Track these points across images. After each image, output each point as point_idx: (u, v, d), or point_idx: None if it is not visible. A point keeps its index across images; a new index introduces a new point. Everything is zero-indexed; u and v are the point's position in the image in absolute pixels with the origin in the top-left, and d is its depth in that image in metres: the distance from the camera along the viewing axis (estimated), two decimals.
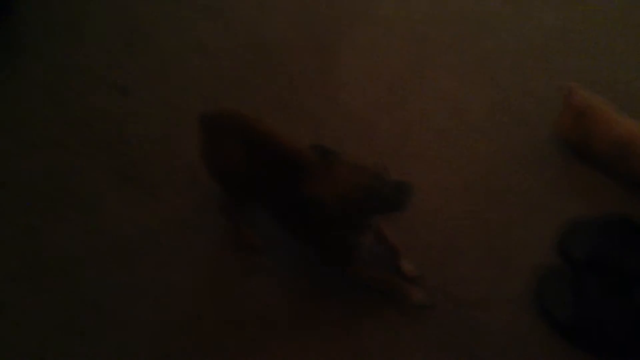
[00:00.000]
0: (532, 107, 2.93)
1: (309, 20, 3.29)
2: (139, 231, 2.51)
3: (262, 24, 3.29)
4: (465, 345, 2.24)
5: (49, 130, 2.85)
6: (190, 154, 2.55)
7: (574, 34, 3.25)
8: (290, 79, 3.05)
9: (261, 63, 3.13)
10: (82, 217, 2.56)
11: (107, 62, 3.12)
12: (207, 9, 3.34)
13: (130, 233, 2.51)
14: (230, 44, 3.19)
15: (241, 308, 2.33)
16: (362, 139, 2.81)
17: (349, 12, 3.34)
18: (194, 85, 3.03)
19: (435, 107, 2.94)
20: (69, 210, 2.58)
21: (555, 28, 3.28)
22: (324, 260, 2.33)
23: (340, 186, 1.95)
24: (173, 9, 3.34)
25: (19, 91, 3.00)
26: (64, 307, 2.32)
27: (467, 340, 2.25)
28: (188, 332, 2.26)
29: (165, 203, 2.60)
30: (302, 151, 2.15)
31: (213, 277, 2.43)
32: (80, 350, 2.22)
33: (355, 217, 2.06)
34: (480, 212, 2.60)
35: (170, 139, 2.82)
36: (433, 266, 2.43)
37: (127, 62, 3.13)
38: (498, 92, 2.99)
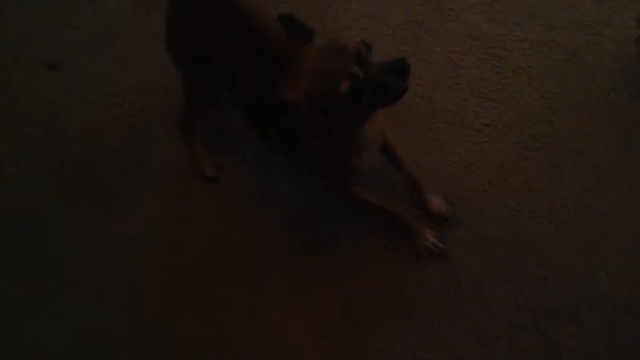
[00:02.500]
0: (584, 41, 2.30)
1: None
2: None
3: None
4: None
5: None
6: (149, 144, 2.03)
7: None
8: None
9: None
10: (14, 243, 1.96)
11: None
12: None
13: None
14: None
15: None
16: None
17: None
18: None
19: (464, 52, 2.30)
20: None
21: None
22: (312, 173, 1.91)
23: (310, 76, 1.43)
24: None
25: None
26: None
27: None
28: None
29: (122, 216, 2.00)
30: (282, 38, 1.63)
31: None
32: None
33: (340, 119, 1.50)
34: (546, 188, 2.03)
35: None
36: (496, 266, 1.92)
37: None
38: (539, 26, 2.35)
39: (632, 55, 2.20)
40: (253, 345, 1.86)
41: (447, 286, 1.86)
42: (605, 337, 1.78)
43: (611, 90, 2.19)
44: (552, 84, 2.22)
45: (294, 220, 2.01)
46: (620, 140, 2.08)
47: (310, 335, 1.85)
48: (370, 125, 1.68)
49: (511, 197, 2.01)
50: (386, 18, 2.38)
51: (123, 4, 2.42)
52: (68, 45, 2.34)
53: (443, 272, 1.88)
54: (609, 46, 2.28)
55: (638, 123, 2.11)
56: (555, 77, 2.23)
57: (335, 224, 2.00)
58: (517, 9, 2.38)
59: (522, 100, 2.19)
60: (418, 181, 1.96)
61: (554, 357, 1.76)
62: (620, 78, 2.20)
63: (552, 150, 2.08)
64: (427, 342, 1.81)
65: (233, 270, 1.94)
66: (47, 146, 2.14)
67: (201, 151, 2.09)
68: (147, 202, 2.04)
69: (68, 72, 2.29)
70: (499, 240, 1.93)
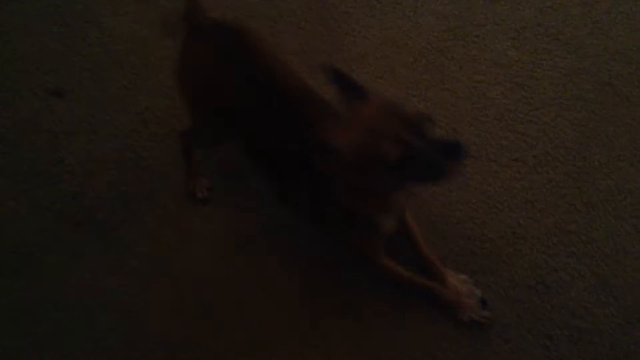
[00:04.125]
0: (619, 70, 2.16)
1: None
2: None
3: None
4: None
5: None
6: (156, 177, 1.94)
7: None
8: (286, 55, 2.20)
9: None
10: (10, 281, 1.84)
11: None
12: None
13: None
14: None
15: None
16: None
17: None
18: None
19: (490, 81, 2.16)
20: None
21: None
22: (336, 237, 1.77)
23: (362, 131, 1.31)
24: None
25: None
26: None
27: None
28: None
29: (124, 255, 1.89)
30: (317, 95, 1.60)
31: None
32: None
33: (381, 180, 1.38)
34: (581, 230, 1.89)
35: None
36: (526, 316, 1.77)
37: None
38: (570, 55, 2.22)
39: None
40: None
41: (473, 340, 1.70)
42: None
43: None
44: (585, 116, 2.08)
45: (308, 266, 1.87)
46: None
47: None
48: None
49: (542, 239, 1.86)
50: (407, 45, 2.25)
51: (132, 28, 2.31)
52: (74, 72, 2.23)
53: (469, 324, 1.72)
54: None
55: None
56: (588, 109, 2.09)
57: (348, 272, 1.85)
58: (547, 35, 2.25)
59: (553, 134, 2.04)
60: (435, 264, 1.78)
61: None
62: None
63: (587, 188, 1.93)
64: None
65: (239, 314, 1.80)
66: (48, 179, 2.02)
67: (196, 170, 1.97)
68: (150, 240, 1.91)
69: (73, 99, 2.17)
70: (529, 287, 1.78)
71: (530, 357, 1.68)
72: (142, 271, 1.87)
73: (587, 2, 2.33)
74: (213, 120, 1.71)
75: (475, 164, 2.00)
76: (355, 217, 1.56)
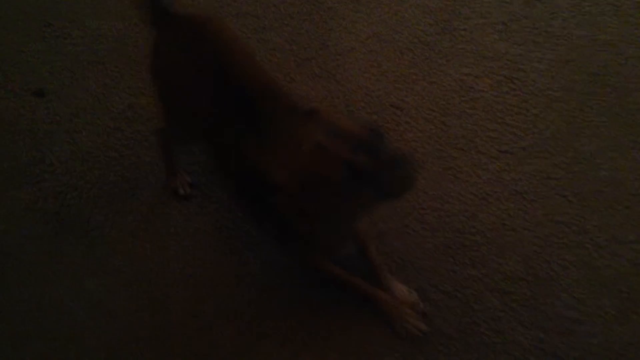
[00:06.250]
0: (608, 60, 2.14)
1: None
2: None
3: None
4: None
5: None
6: (138, 176, 1.90)
7: None
8: (271, 51, 2.19)
9: None
10: None
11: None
12: None
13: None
14: None
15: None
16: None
17: None
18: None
19: (478, 74, 2.13)
20: None
21: None
22: (279, 239, 1.73)
23: (305, 156, 1.27)
24: None
25: None
26: None
27: None
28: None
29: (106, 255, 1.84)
30: (281, 97, 1.55)
31: None
32: None
33: (327, 207, 1.35)
34: (572, 220, 1.85)
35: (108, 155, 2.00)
36: (518, 308, 1.72)
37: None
38: (559, 46, 2.19)
39: None
40: None
41: (464, 333, 1.66)
42: None
43: (638, 112, 2.02)
44: (574, 107, 2.05)
45: (291, 262, 1.83)
46: None
47: None
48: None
49: (533, 230, 1.82)
50: (393, 40, 2.23)
51: (114, 28, 2.29)
52: (56, 71, 2.21)
53: (459, 316, 1.69)
54: (635, 65, 2.12)
55: None
56: (577, 100, 2.07)
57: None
58: (535, 27, 2.22)
59: (543, 125, 2.02)
60: (379, 267, 1.73)
61: None
62: None
63: (577, 179, 1.90)
64: None
65: (223, 314, 1.76)
66: (29, 178, 1.99)
67: (176, 167, 1.94)
68: (132, 238, 1.87)
69: (55, 99, 2.15)
70: (520, 278, 1.74)
71: (522, 349, 1.64)
72: (125, 270, 1.83)
73: None
74: (182, 116, 1.69)
75: (464, 156, 1.97)
76: (307, 238, 1.53)
